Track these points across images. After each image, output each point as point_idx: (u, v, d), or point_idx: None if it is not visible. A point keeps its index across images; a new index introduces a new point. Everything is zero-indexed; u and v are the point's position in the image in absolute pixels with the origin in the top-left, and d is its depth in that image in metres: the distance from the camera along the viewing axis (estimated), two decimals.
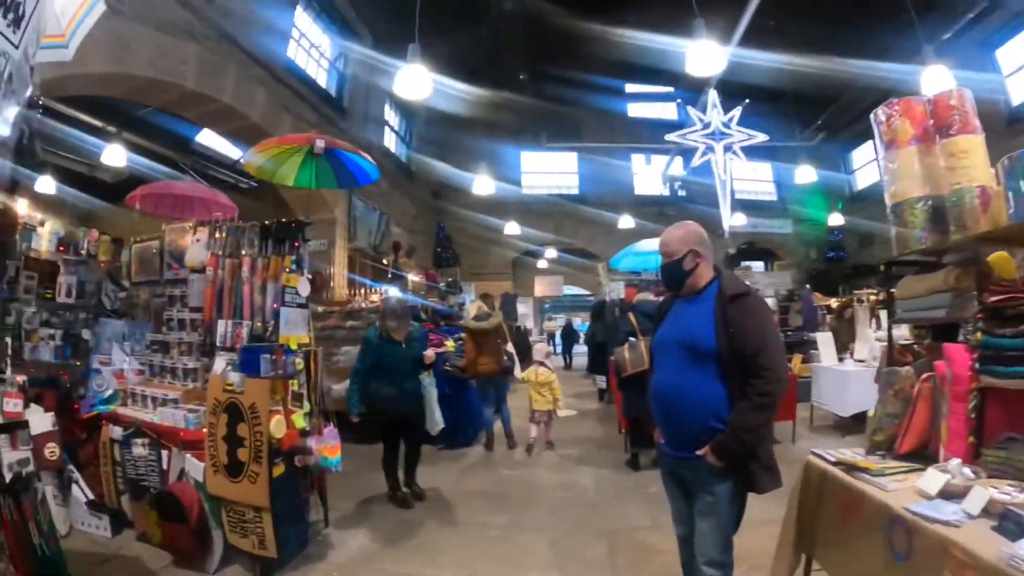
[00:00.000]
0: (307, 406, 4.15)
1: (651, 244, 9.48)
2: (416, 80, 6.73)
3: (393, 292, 9.56)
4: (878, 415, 2.87)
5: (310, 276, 4.73)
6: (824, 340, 8.80)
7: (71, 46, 3.15)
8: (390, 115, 14.92)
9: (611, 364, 9.59)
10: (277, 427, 3.65)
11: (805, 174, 12.49)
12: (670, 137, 10.99)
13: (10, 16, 2.00)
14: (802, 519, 2.83)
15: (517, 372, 7.75)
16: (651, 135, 15.67)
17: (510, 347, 7.73)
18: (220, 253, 4.71)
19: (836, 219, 16.67)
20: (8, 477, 2.72)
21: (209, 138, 11.43)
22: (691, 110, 11.01)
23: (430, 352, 5.15)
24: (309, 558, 4.02)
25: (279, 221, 4.67)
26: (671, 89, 17.02)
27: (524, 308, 19.17)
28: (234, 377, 3.79)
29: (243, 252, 4.64)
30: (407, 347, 5.12)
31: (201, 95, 8.14)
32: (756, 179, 19.44)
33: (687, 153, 14.89)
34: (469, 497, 5.35)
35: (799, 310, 11.16)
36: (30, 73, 2.55)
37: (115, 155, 8.82)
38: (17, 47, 2.05)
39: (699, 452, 2.46)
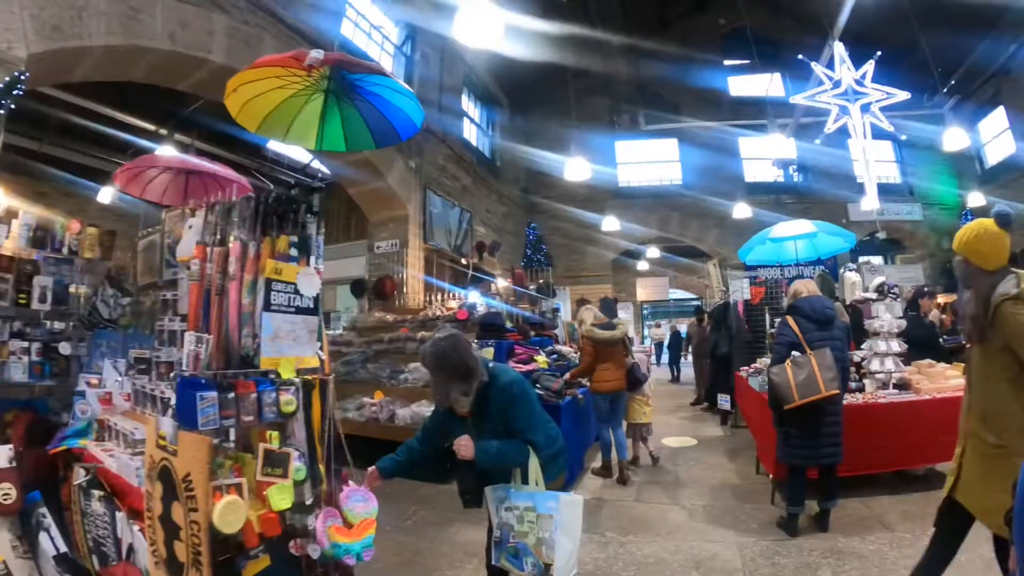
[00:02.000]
0: (301, 471, 2.63)
1: (791, 228, 7.44)
2: (483, 20, 5.16)
3: (473, 297, 8.09)
4: None
5: (320, 268, 3.22)
6: None
7: None
8: (469, 106, 13.58)
9: (739, 382, 7.77)
10: (226, 516, 2.15)
11: (955, 139, 9.65)
12: (796, 99, 9.04)
13: None
14: None
15: (646, 388, 6.59)
16: (758, 114, 13.62)
17: (631, 359, 6.40)
18: (209, 241, 3.31)
19: (976, 199, 13.72)
20: None
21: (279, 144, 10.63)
22: (816, 66, 9.05)
23: (462, 442, 2.73)
24: None
25: (280, 189, 3.19)
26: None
27: (625, 314, 17.31)
28: (167, 426, 2.36)
29: (232, 236, 3.21)
30: (477, 424, 2.86)
31: (235, 72, 7.00)
32: (877, 159, 16.65)
33: (801, 132, 12.99)
34: None
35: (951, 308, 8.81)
36: None
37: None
38: None
39: None
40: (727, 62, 16.32)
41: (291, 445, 2.67)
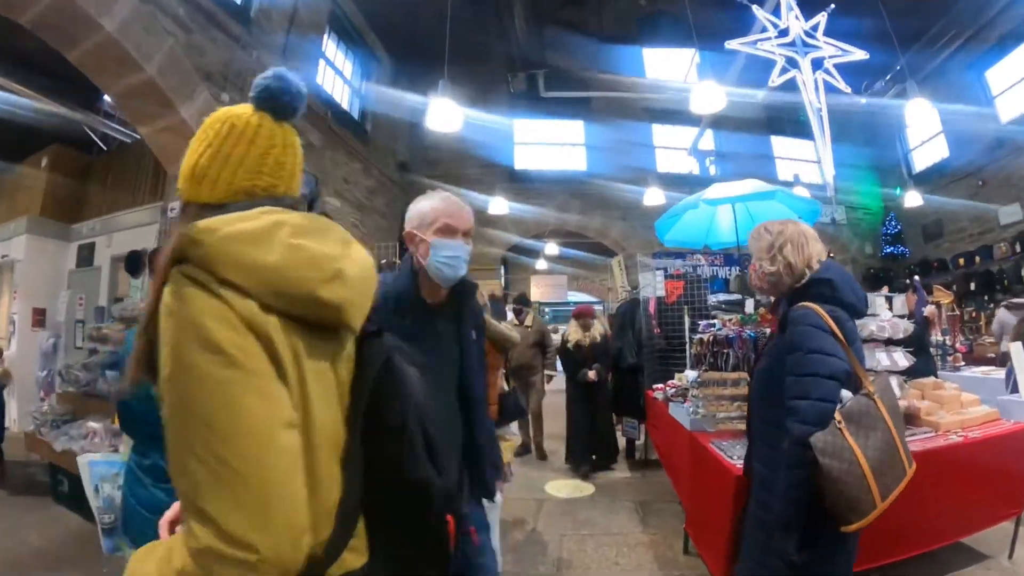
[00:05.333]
0: None
1: (735, 188, 5.41)
2: None
3: None
4: None
5: None
6: (1018, 354, 4.79)
7: None
8: (336, 53, 11.04)
9: (653, 405, 5.74)
10: None
11: (918, 111, 7.33)
12: (732, 44, 7.21)
13: None
14: None
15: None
16: (675, 98, 11.87)
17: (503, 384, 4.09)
18: None
19: (914, 198, 12.39)
20: None
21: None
22: (759, 11, 7.31)
23: None
24: None
25: None
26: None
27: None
28: None
29: None
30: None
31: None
32: (798, 158, 15.36)
33: (721, 120, 12.06)
34: None
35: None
36: None
37: None
38: None
39: None
40: (644, 41, 14.67)
41: None
